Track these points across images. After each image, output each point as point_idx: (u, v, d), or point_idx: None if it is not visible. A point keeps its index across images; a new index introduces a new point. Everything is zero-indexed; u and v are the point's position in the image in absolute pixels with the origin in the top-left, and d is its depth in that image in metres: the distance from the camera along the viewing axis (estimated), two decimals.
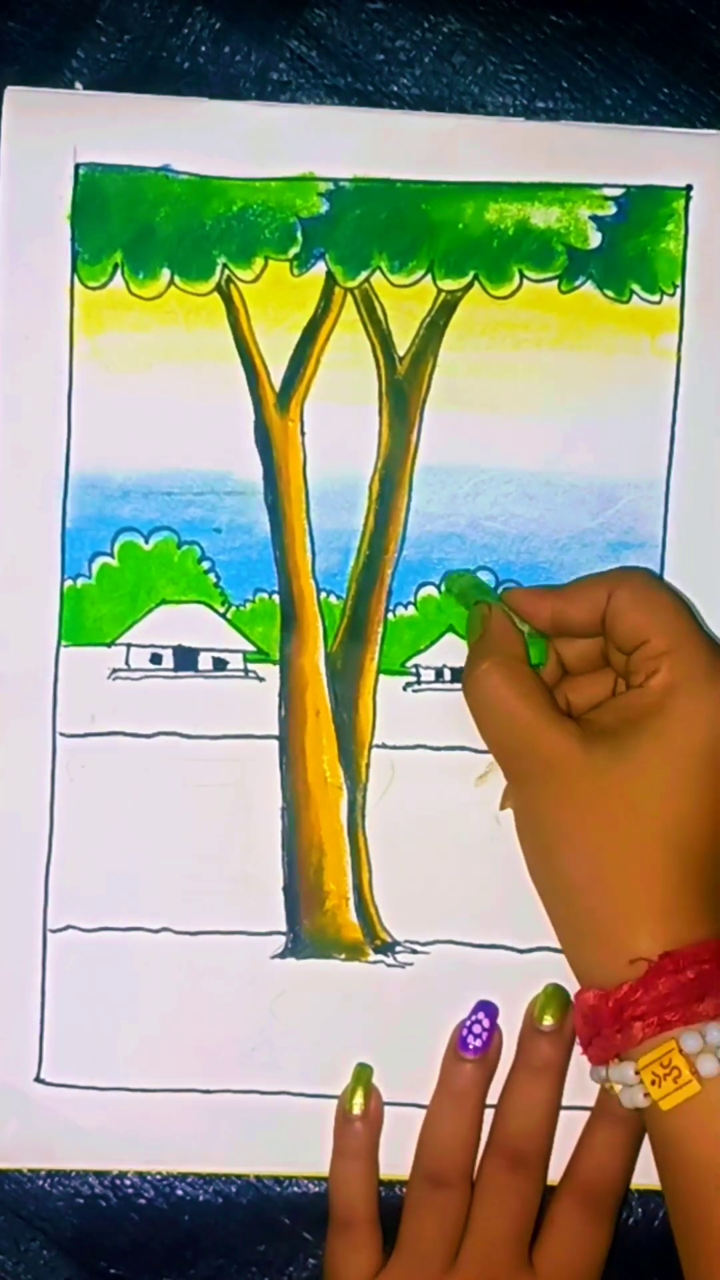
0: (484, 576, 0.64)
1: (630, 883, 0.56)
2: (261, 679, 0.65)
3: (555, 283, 0.64)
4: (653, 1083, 0.54)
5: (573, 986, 0.62)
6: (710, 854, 0.56)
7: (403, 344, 0.64)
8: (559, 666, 0.62)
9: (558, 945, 0.63)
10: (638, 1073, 0.54)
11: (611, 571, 0.63)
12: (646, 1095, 0.54)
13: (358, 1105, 0.63)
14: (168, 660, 0.64)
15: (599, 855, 0.56)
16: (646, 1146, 0.62)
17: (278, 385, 0.64)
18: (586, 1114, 0.63)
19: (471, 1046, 0.63)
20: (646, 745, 0.56)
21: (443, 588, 0.64)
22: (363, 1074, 0.63)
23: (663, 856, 0.56)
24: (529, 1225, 0.62)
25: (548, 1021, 0.62)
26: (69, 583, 0.64)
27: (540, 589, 0.63)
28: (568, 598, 0.61)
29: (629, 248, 0.64)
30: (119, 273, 0.64)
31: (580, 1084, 0.63)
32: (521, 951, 0.64)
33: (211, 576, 0.64)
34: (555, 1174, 0.63)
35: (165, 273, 0.64)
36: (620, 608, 0.59)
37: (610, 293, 0.64)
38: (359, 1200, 0.63)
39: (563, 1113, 0.63)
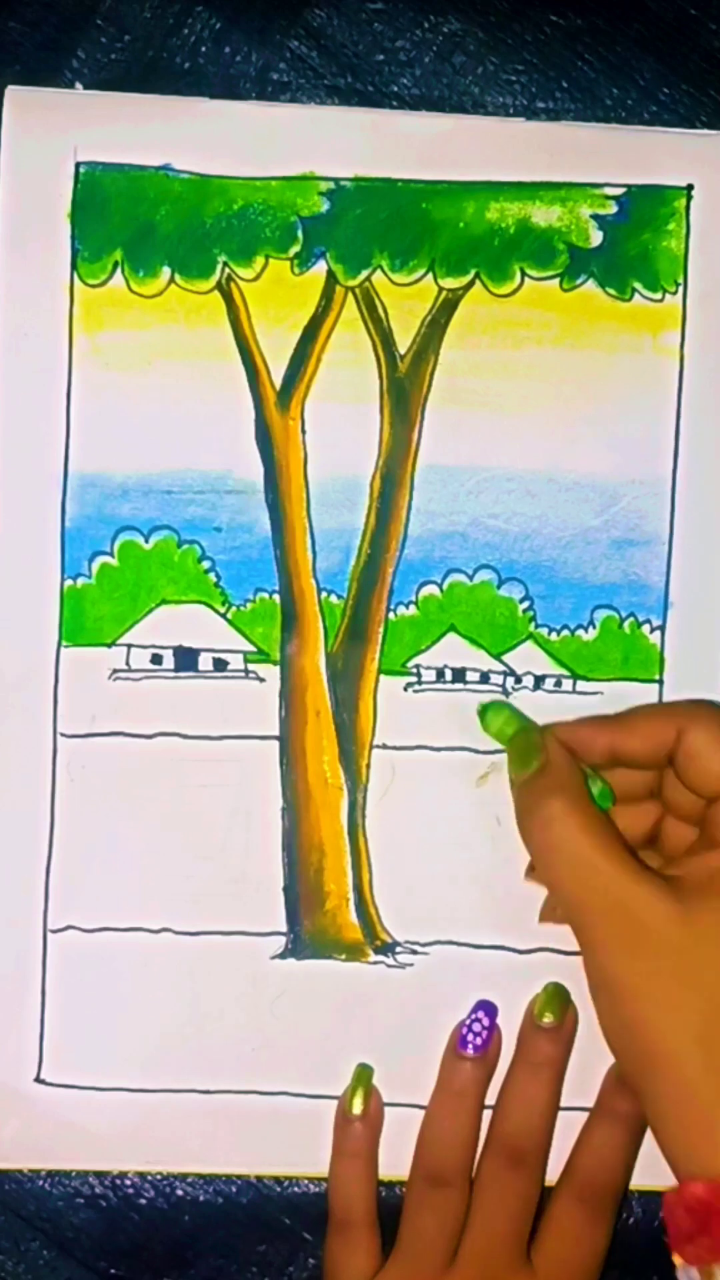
0: (486, 575, 0.64)
1: None
2: (262, 679, 0.65)
3: (557, 281, 0.64)
4: None
5: (572, 986, 0.63)
6: None
7: (404, 342, 0.64)
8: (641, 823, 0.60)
9: (558, 946, 0.64)
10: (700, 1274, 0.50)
11: (679, 705, 0.61)
12: None
13: (358, 1105, 0.63)
14: (168, 660, 0.64)
15: (710, 1030, 0.52)
16: (646, 1145, 0.63)
17: (278, 384, 0.64)
18: (586, 1114, 0.63)
19: (471, 1045, 0.63)
20: None
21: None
22: (363, 1074, 0.63)
23: None
24: (527, 1223, 0.61)
25: (548, 1019, 0.62)
26: (69, 582, 0.64)
27: (594, 720, 0.60)
28: (628, 730, 0.57)
29: (630, 246, 0.64)
30: (119, 270, 0.64)
31: (580, 1084, 0.63)
32: (521, 952, 0.64)
33: (212, 576, 0.64)
34: (555, 1172, 0.63)
35: (165, 271, 0.64)
36: (698, 749, 0.55)
37: (612, 291, 0.64)
38: (358, 1200, 0.62)
39: (562, 1112, 0.63)
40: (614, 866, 0.53)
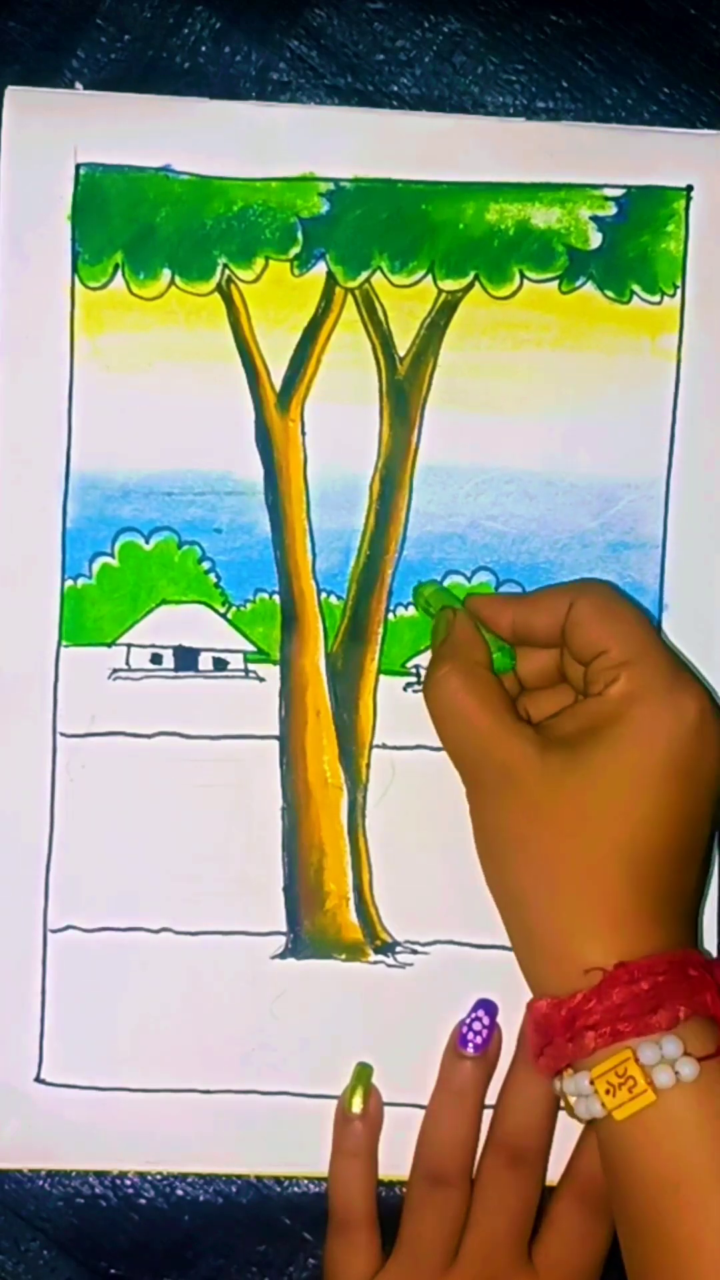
0: (484, 577, 0.64)
1: (584, 893, 0.55)
2: (262, 679, 0.65)
3: (556, 283, 0.64)
4: (607, 1092, 0.53)
5: None
6: (667, 866, 0.56)
7: (403, 344, 0.64)
8: (517, 682, 0.62)
9: None
10: (592, 1082, 0.54)
11: (573, 583, 0.63)
12: (602, 1105, 0.54)
13: (357, 1105, 0.63)
14: (168, 660, 0.64)
15: (552, 865, 0.56)
16: None
17: (278, 385, 0.64)
18: None
19: (471, 1045, 0.63)
20: (603, 754, 0.56)
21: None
22: (363, 1074, 0.63)
23: (617, 868, 0.55)
24: (528, 1223, 0.62)
25: None
26: (69, 583, 0.64)
27: (503, 596, 0.63)
28: (530, 606, 0.61)
29: (629, 248, 0.64)
30: (119, 273, 0.64)
31: None
32: None
33: (212, 576, 0.64)
34: (555, 1173, 0.63)
35: (166, 273, 0.64)
36: (580, 618, 0.59)
37: (611, 293, 0.64)
38: (358, 1200, 0.62)
39: (563, 1112, 0.63)
40: (489, 718, 0.57)
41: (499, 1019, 0.63)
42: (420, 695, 0.63)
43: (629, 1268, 0.55)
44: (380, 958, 0.65)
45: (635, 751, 0.56)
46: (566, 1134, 0.62)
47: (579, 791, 0.56)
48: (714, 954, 0.64)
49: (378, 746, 0.65)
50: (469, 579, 0.64)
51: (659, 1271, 0.53)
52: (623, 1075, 0.53)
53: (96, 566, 0.64)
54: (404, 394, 0.64)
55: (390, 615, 0.64)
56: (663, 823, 0.56)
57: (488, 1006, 0.63)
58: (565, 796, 0.56)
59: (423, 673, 0.64)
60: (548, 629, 0.60)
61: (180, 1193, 0.65)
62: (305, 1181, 0.65)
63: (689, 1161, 0.53)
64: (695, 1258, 0.52)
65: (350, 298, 0.64)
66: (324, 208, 0.64)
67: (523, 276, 0.64)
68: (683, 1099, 0.53)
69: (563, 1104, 0.57)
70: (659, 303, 0.64)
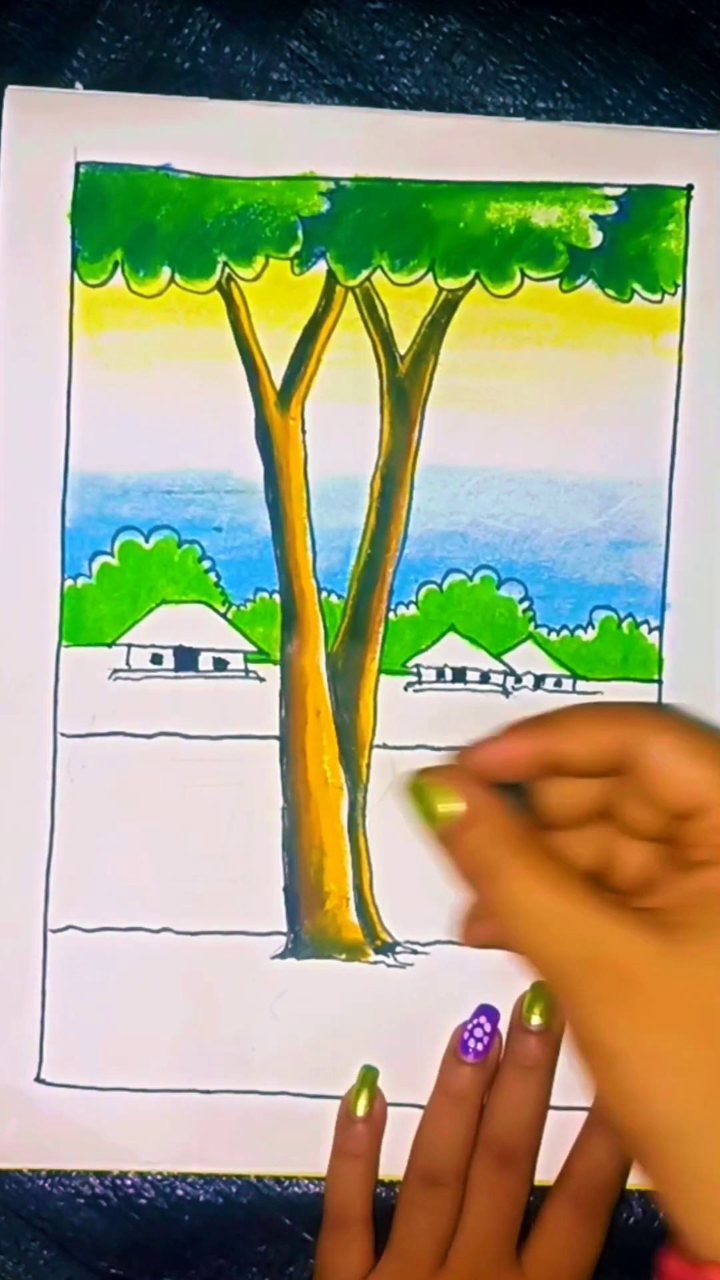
0: (485, 575, 0.64)
1: None
2: (262, 679, 0.65)
3: (556, 282, 0.64)
4: None
5: None
6: None
7: (404, 343, 0.64)
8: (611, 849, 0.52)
9: None
10: None
11: (626, 708, 0.54)
12: None
13: (361, 1107, 0.63)
14: (168, 660, 0.64)
15: (711, 1092, 0.44)
16: None
17: (278, 384, 0.64)
18: (582, 1114, 0.63)
19: (473, 1050, 0.63)
20: None
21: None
22: (368, 1076, 0.63)
23: None
24: (517, 1223, 0.62)
25: (535, 1021, 0.62)
26: (69, 582, 0.64)
27: (516, 727, 0.51)
28: (567, 737, 0.49)
29: (630, 247, 0.64)
30: (119, 270, 0.64)
31: (578, 1084, 0.63)
32: None
33: (212, 576, 0.64)
34: (550, 1174, 0.63)
35: (165, 271, 0.64)
36: (662, 764, 0.47)
37: (611, 292, 0.64)
38: (354, 1200, 0.62)
39: (558, 1113, 0.63)
40: (580, 910, 0.46)
41: (500, 1024, 0.63)
42: (420, 695, 0.63)
43: None
44: (380, 958, 0.64)
45: None
46: (562, 1134, 0.62)
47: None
48: None
49: (378, 746, 0.65)
50: (470, 577, 0.64)
51: None
52: None
53: (96, 566, 0.64)
54: (404, 392, 0.64)
55: (391, 614, 0.64)
56: None
57: (490, 1013, 0.63)
58: (710, 999, 0.44)
59: (424, 672, 0.64)
60: (590, 762, 0.49)
61: (180, 1193, 0.64)
62: (305, 1181, 0.64)
63: None
64: None
65: (351, 296, 0.64)
66: (324, 206, 0.64)
67: (523, 275, 0.64)
68: None
69: None
70: (660, 301, 0.64)
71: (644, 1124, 0.45)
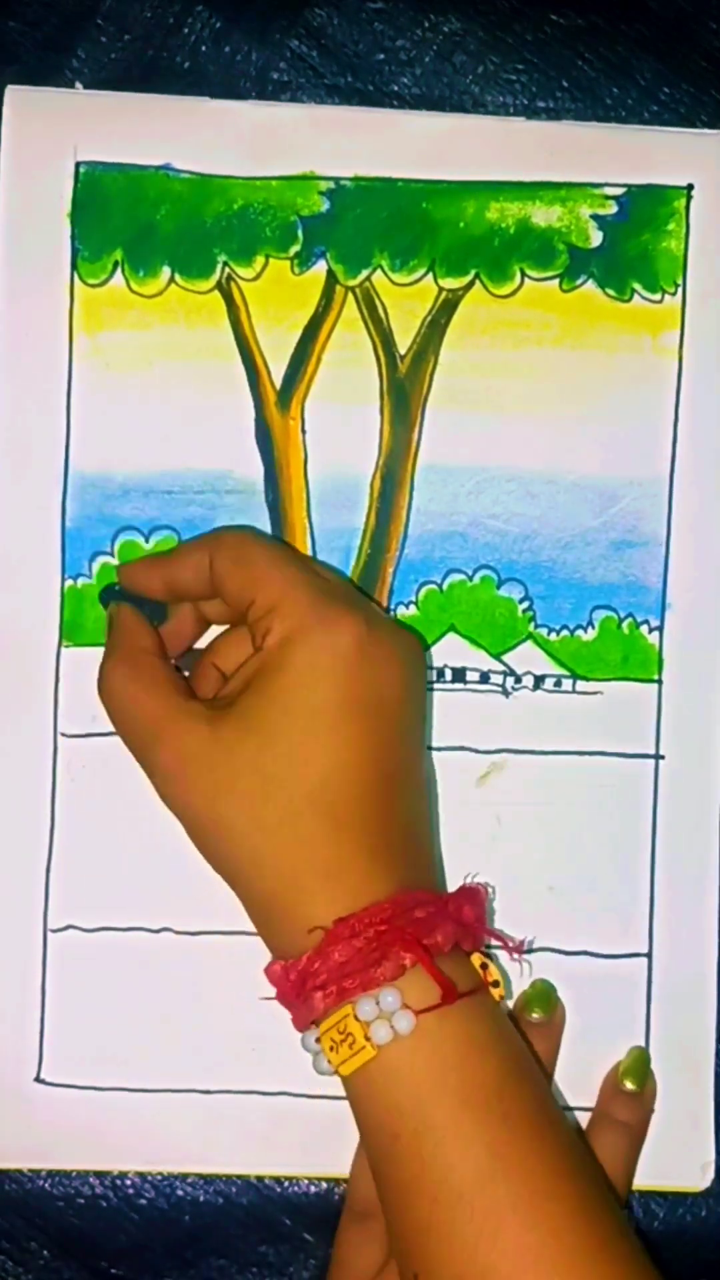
0: (485, 575, 0.64)
1: (291, 855, 0.54)
2: None
3: (556, 281, 0.64)
4: (331, 1049, 0.53)
5: (569, 991, 0.63)
6: (371, 806, 0.55)
7: (404, 342, 0.64)
8: (197, 624, 0.61)
9: (558, 946, 0.64)
10: (318, 1039, 0.54)
11: (208, 534, 0.61)
12: (328, 1062, 0.54)
13: None
14: None
15: (254, 835, 0.55)
16: (647, 1147, 0.63)
17: (278, 384, 0.64)
18: (586, 1114, 0.63)
19: None
20: (271, 709, 0.55)
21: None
22: None
23: (315, 820, 0.54)
24: None
25: (536, 1015, 0.62)
26: (69, 582, 0.64)
27: (149, 559, 0.61)
28: (173, 564, 0.60)
29: (630, 246, 0.64)
30: (119, 270, 0.64)
31: (580, 1084, 0.63)
32: (522, 952, 0.64)
33: None
34: None
35: (165, 270, 0.64)
36: (221, 572, 0.58)
37: (612, 291, 0.64)
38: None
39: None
40: (155, 703, 0.57)
41: None
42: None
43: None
44: None
45: (300, 697, 0.55)
46: None
47: (258, 754, 0.55)
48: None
49: None
50: (470, 578, 0.64)
51: (391, 1213, 0.54)
52: (343, 1032, 0.53)
53: (97, 566, 0.64)
54: (405, 392, 0.64)
55: (391, 614, 0.64)
56: (350, 763, 0.55)
57: None
58: (246, 763, 0.55)
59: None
60: (197, 584, 0.59)
61: (180, 1193, 0.64)
62: (305, 1182, 0.64)
63: (406, 1113, 0.53)
64: (416, 1199, 0.52)
65: (351, 296, 0.64)
66: (324, 206, 0.64)
67: (523, 275, 0.64)
68: (400, 1052, 0.53)
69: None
70: (660, 301, 0.64)
71: (227, 870, 0.56)
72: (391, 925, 0.53)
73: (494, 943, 0.60)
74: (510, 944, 0.59)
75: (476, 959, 0.56)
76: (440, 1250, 0.52)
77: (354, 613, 0.56)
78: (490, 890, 0.63)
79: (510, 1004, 0.63)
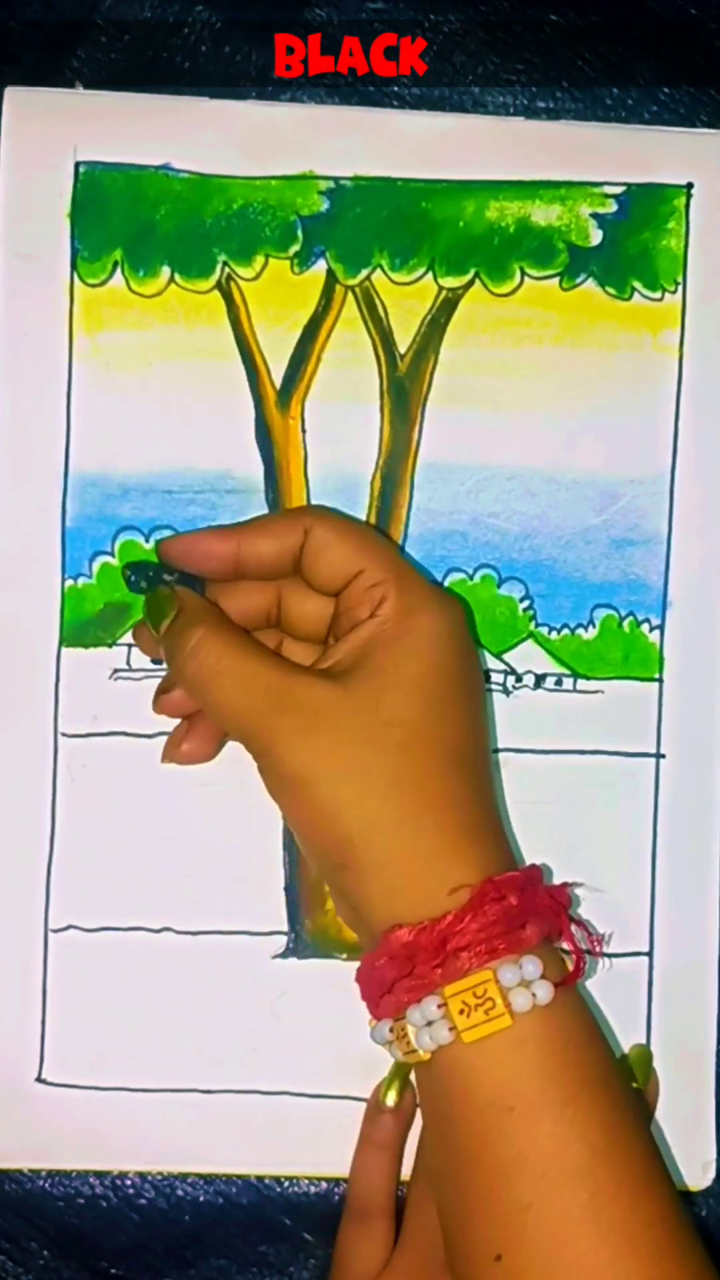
0: (486, 573, 0.64)
1: (439, 811, 0.54)
2: None
3: (556, 280, 0.64)
4: (461, 1013, 0.52)
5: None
6: (486, 773, 0.56)
7: (404, 341, 0.64)
8: (263, 597, 0.61)
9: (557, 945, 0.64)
10: (443, 1005, 0.52)
11: (296, 509, 0.63)
12: (451, 1029, 0.52)
13: (391, 1099, 0.63)
14: None
15: (397, 790, 0.54)
16: None
17: (278, 383, 0.64)
18: None
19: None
20: (405, 670, 0.55)
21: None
22: (400, 1069, 0.63)
23: (459, 778, 0.55)
24: None
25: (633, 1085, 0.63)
26: (70, 582, 0.64)
27: (220, 529, 0.60)
28: (256, 533, 0.59)
29: (630, 245, 0.64)
30: (119, 270, 0.64)
31: None
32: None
33: None
34: None
35: (165, 270, 0.64)
36: (323, 542, 0.57)
37: (612, 290, 0.64)
38: (378, 1192, 0.62)
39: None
40: (269, 667, 0.55)
41: None
42: None
43: (438, 1194, 0.55)
44: None
45: (432, 659, 0.55)
46: None
47: (398, 708, 0.54)
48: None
49: None
50: (471, 576, 0.64)
51: (476, 1191, 0.53)
52: (481, 996, 0.52)
53: (97, 566, 0.64)
54: (405, 391, 0.64)
55: None
56: (474, 728, 0.56)
57: None
58: (386, 717, 0.54)
59: None
60: (277, 557, 0.58)
61: (180, 1193, 0.64)
62: (305, 1181, 0.64)
63: (527, 1085, 0.52)
64: (519, 1176, 0.52)
65: (350, 295, 0.64)
66: (324, 205, 0.64)
67: (523, 274, 0.64)
68: (530, 1023, 0.52)
69: (385, 1043, 0.55)
70: (660, 299, 0.64)
71: (341, 832, 0.54)
72: (530, 891, 0.53)
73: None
74: (594, 935, 0.57)
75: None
76: (539, 1229, 0.51)
77: (454, 595, 0.59)
78: None
79: None
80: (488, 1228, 0.52)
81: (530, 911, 0.53)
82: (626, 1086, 0.54)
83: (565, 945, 0.55)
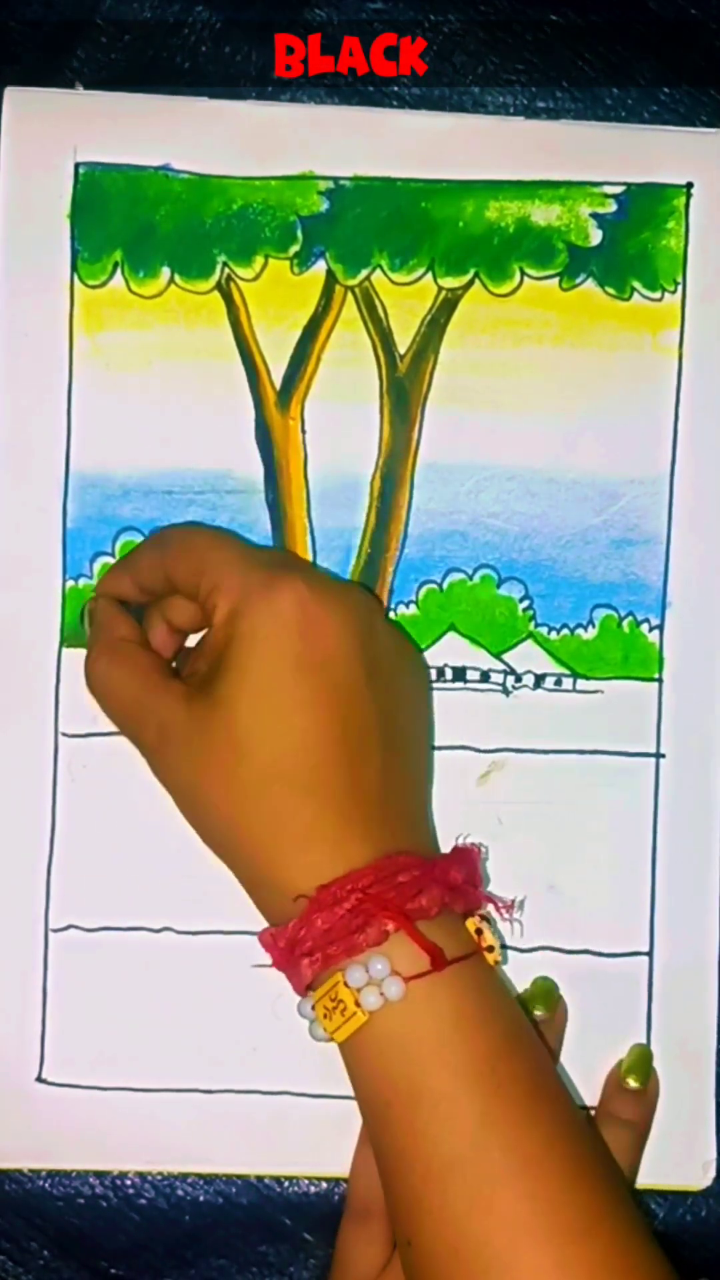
0: (485, 573, 0.64)
1: (266, 825, 0.55)
2: None
3: (556, 280, 0.64)
4: (325, 1016, 0.54)
5: (571, 989, 0.63)
6: (344, 770, 0.55)
7: (403, 342, 0.64)
8: (174, 635, 0.62)
9: (559, 945, 0.63)
10: (313, 1007, 0.54)
11: (159, 530, 0.63)
12: (323, 1029, 0.54)
13: None
14: None
15: (233, 806, 0.55)
16: (648, 1147, 0.63)
17: (278, 383, 0.64)
18: (588, 1114, 0.63)
19: None
20: (230, 685, 0.55)
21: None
22: None
23: (286, 790, 0.55)
24: None
25: (538, 1013, 0.62)
26: (70, 583, 0.64)
27: (116, 566, 0.63)
28: (133, 564, 0.61)
29: (630, 245, 0.64)
30: (119, 271, 0.64)
31: (582, 1084, 0.63)
32: (523, 951, 0.64)
33: None
34: None
35: (165, 271, 0.64)
36: (172, 562, 0.59)
37: (611, 290, 0.64)
38: (379, 1192, 0.62)
39: None
40: (136, 685, 0.58)
41: None
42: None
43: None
44: None
45: (252, 666, 0.55)
46: None
47: (227, 727, 0.55)
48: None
49: None
50: (470, 577, 0.64)
51: (386, 1182, 0.54)
52: (334, 999, 0.54)
53: (97, 566, 0.64)
54: (404, 392, 0.64)
55: (391, 614, 0.64)
56: (307, 727, 0.55)
57: None
58: (219, 737, 0.55)
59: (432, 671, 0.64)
60: (158, 579, 0.60)
61: (180, 1193, 0.64)
62: (305, 1181, 0.64)
63: (398, 1080, 0.53)
64: (409, 1169, 0.53)
65: (350, 296, 0.64)
66: (323, 206, 0.64)
67: (523, 274, 0.64)
68: (392, 1019, 0.53)
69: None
70: (660, 299, 0.64)
71: (209, 840, 0.57)
72: (373, 891, 0.54)
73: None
74: (501, 904, 0.59)
75: (471, 924, 0.56)
76: (432, 1221, 0.52)
77: (291, 576, 0.56)
78: (484, 850, 0.63)
79: (506, 968, 0.63)
80: (397, 1215, 0.54)
81: (372, 911, 0.53)
82: (529, 1062, 0.54)
83: (470, 932, 0.56)
